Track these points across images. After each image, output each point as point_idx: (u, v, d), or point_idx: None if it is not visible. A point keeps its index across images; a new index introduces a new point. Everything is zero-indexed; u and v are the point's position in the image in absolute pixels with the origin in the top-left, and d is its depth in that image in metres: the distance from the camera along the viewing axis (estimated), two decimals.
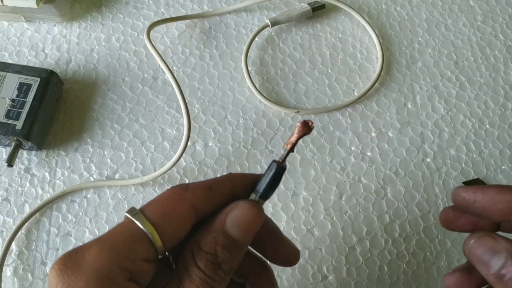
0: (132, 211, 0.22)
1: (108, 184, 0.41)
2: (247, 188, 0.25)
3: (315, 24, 0.49)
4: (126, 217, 0.22)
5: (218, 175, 0.42)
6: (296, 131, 0.25)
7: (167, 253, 0.25)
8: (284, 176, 0.25)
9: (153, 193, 0.41)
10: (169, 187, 0.24)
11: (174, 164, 0.40)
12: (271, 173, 0.25)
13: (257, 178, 0.26)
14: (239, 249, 0.23)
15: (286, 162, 0.25)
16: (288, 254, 0.27)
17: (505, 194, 0.23)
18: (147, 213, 0.22)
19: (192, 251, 0.23)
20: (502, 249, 0.22)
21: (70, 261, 0.20)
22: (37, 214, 0.39)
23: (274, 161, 0.25)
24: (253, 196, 0.25)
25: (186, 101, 0.41)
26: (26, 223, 0.39)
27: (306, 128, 0.24)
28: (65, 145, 0.42)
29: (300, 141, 0.43)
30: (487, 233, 0.24)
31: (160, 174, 0.40)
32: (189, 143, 0.41)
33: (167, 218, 0.22)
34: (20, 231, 0.39)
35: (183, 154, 0.40)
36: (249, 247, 0.26)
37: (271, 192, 0.25)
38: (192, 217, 0.23)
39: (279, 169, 0.25)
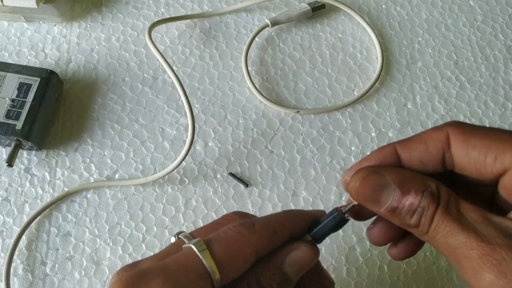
0: (199, 245, 0.22)
1: (113, 184, 0.41)
2: (305, 229, 0.26)
3: (315, 24, 0.49)
4: (191, 250, 0.22)
5: (218, 175, 0.42)
6: None
7: None
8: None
9: (153, 193, 0.41)
10: (233, 217, 0.25)
11: (178, 165, 0.40)
12: (333, 223, 0.25)
13: (315, 217, 0.26)
14: (290, 286, 0.24)
15: (348, 215, 0.25)
16: (325, 286, 0.28)
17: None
18: (213, 251, 0.22)
19: (249, 285, 0.23)
20: (389, 183, 0.22)
21: None
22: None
23: (337, 210, 0.25)
24: (307, 237, 0.25)
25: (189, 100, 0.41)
26: (31, 224, 0.39)
27: None
28: (65, 145, 0.42)
29: (301, 142, 0.43)
30: (370, 170, 0.23)
31: (165, 174, 0.40)
32: (187, 142, 0.41)
33: (231, 260, 0.23)
34: (24, 233, 0.39)
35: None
36: None
37: (324, 238, 0.26)
38: (253, 260, 0.24)
39: (342, 221, 0.25)
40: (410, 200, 0.21)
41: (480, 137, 0.21)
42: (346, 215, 0.25)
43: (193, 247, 0.22)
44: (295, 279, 0.24)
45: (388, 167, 0.23)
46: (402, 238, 0.26)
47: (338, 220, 0.25)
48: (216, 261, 0.22)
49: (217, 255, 0.22)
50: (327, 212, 0.26)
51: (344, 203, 0.41)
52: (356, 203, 0.24)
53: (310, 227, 0.26)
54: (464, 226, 0.20)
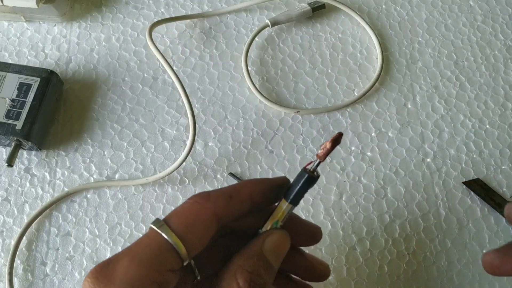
0: (157, 222, 0.23)
1: (114, 184, 0.41)
2: (265, 194, 0.26)
3: (315, 24, 0.49)
4: (152, 229, 0.23)
5: (218, 175, 0.42)
6: (329, 140, 0.25)
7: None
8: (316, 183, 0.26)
9: (153, 193, 0.41)
10: (190, 196, 0.25)
11: (179, 165, 0.40)
12: (305, 182, 0.26)
13: (273, 183, 0.27)
14: (274, 273, 0.25)
15: (318, 171, 0.26)
16: (309, 233, 0.29)
17: None
18: (171, 224, 0.23)
19: (236, 277, 0.24)
20: None
21: (102, 275, 0.21)
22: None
23: (305, 171, 0.26)
24: (284, 202, 0.26)
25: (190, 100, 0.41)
26: (32, 224, 0.39)
27: (339, 139, 0.25)
28: (65, 145, 0.42)
29: (301, 142, 0.43)
30: None
31: (166, 174, 0.40)
32: (188, 143, 0.41)
33: (191, 228, 0.23)
34: (25, 234, 0.39)
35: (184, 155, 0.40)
36: None
37: (301, 199, 0.26)
38: (214, 226, 0.24)
39: (313, 178, 0.26)
40: None
41: None
42: (315, 172, 0.26)
43: (152, 225, 0.23)
44: (276, 266, 0.25)
45: None
46: None
47: (308, 178, 0.26)
48: (176, 233, 0.23)
49: (176, 227, 0.23)
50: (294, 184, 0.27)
51: (344, 203, 0.41)
52: (321, 160, 0.25)
53: (284, 193, 0.27)
54: None
